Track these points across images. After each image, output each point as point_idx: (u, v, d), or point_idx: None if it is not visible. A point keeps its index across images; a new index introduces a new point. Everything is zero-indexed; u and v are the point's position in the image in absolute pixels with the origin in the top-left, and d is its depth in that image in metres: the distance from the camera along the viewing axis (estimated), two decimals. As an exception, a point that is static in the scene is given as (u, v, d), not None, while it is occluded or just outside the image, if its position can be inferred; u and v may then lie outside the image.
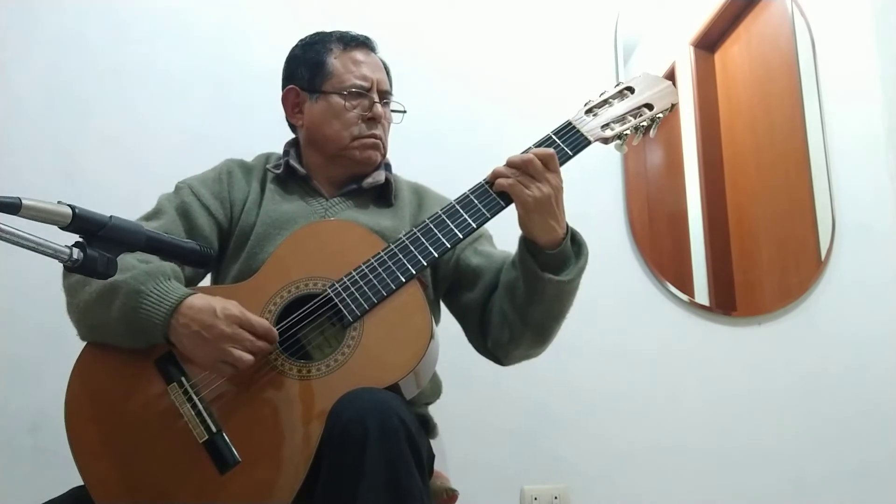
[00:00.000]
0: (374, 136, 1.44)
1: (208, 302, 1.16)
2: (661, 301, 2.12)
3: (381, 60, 1.50)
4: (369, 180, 1.45)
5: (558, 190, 1.23)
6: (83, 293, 1.21)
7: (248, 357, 1.12)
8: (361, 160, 1.44)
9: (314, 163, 1.47)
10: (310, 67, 1.45)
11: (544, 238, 1.24)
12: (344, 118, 1.42)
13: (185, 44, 2.08)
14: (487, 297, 1.37)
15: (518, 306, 1.28)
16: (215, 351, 1.13)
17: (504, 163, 1.26)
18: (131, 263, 1.19)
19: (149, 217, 1.35)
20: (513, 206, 1.25)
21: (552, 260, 1.24)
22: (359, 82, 1.43)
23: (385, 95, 1.47)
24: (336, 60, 1.44)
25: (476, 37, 2.19)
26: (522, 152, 1.26)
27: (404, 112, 1.51)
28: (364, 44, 1.48)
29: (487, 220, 1.26)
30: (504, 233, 1.51)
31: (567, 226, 1.27)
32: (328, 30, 1.50)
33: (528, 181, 1.21)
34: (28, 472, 1.80)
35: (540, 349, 1.37)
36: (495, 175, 1.25)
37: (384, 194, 1.47)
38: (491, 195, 1.26)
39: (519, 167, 1.22)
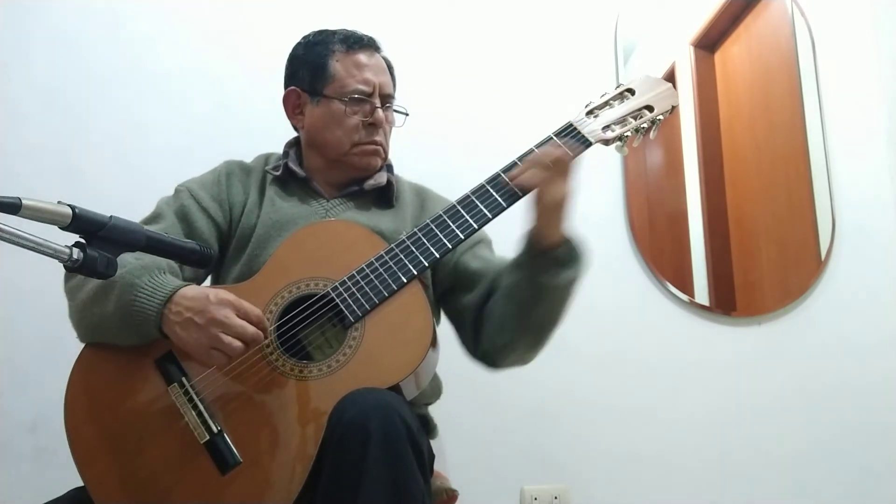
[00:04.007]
0: (375, 143, 1.43)
1: (201, 290, 1.17)
2: (661, 301, 2.12)
3: (386, 60, 1.49)
4: (371, 182, 1.45)
5: (573, 190, 1.23)
6: (82, 293, 1.21)
7: (238, 344, 1.11)
8: (361, 166, 1.44)
9: (314, 165, 1.47)
10: (311, 70, 1.44)
11: (554, 238, 1.24)
12: (344, 124, 1.41)
13: (184, 44, 2.07)
14: (483, 302, 1.36)
15: (519, 309, 1.28)
16: (206, 337, 1.12)
17: (509, 161, 1.27)
18: (128, 260, 1.19)
19: (148, 221, 1.35)
20: (510, 207, 1.25)
21: (558, 259, 1.25)
22: (360, 87, 1.41)
23: (387, 99, 1.46)
24: (338, 64, 1.42)
25: (476, 37, 2.19)
26: (528, 152, 1.27)
27: (406, 115, 1.50)
28: (368, 45, 1.46)
29: (489, 220, 1.26)
30: (504, 237, 1.51)
31: None
32: (330, 28, 1.49)
33: (557, 178, 1.20)
34: (28, 472, 1.79)
35: (533, 354, 1.37)
36: (527, 164, 1.23)
37: (385, 196, 1.47)
38: (492, 195, 1.26)
39: (552, 161, 1.20)
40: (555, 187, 1.20)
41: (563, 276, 1.24)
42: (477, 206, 1.26)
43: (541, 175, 1.21)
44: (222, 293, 1.15)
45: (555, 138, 1.29)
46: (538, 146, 1.28)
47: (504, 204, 1.25)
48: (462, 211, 1.26)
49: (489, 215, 1.25)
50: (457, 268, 1.41)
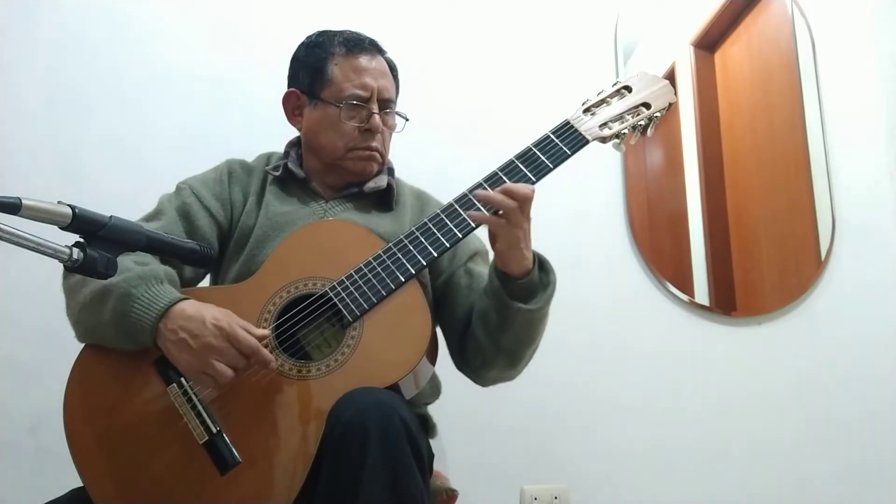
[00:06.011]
0: (370, 149, 1.41)
1: (199, 310, 1.15)
2: (661, 301, 2.12)
3: (389, 63, 1.46)
4: (371, 185, 1.44)
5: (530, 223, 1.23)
6: (80, 295, 1.21)
7: (229, 373, 1.12)
8: (356, 171, 1.43)
9: (313, 167, 1.46)
10: (310, 72, 1.43)
11: (518, 269, 1.24)
12: (340, 129, 1.39)
13: (185, 43, 2.08)
14: (467, 322, 1.36)
15: (490, 332, 1.29)
16: (199, 361, 1.12)
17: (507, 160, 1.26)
18: (127, 266, 1.19)
19: (149, 218, 1.35)
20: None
21: (522, 288, 1.25)
22: (358, 92, 1.39)
23: (387, 104, 1.43)
24: (336, 67, 1.40)
25: (476, 37, 2.19)
26: (496, 180, 1.26)
27: (407, 119, 1.48)
28: (369, 47, 1.43)
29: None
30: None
31: (535, 254, 1.27)
32: (333, 27, 1.47)
33: (518, 217, 1.20)
34: (28, 472, 1.80)
35: (513, 373, 1.38)
36: (486, 201, 1.23)
37: (385, 199, 1.46)
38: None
39: (518, 200, 1.19)
40: (515, 229, 1.20)
41: (526, 306, 1.24)
42: (474, 204, 1.26)
43: (498, 217, 1.20)
44: (221, 318, 1.14)
45: (552, 136, 1.29)
46: (535, 144, 1.28)
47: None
48: (460, 209, 1.26)
49: (487, 213, 1.25)
50: (450, 281, 1.41)
